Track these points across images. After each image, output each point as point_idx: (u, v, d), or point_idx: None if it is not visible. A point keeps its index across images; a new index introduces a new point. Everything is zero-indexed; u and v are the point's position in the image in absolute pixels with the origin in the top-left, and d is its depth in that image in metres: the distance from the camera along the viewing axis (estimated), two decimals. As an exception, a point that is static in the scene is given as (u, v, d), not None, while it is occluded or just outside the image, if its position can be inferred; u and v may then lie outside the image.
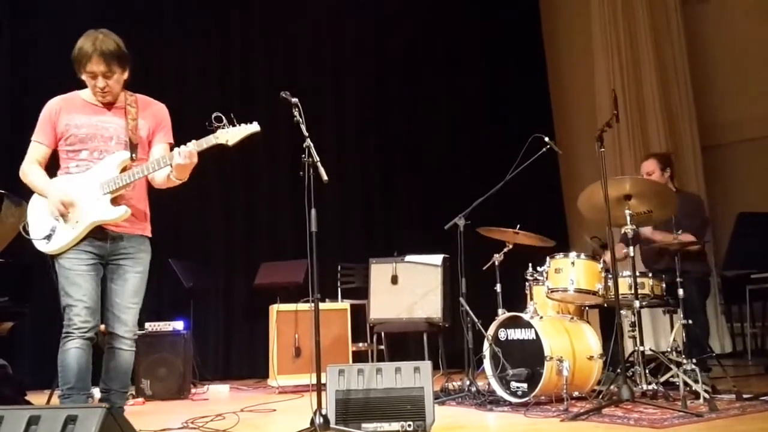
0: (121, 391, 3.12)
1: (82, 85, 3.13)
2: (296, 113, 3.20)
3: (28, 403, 4.16)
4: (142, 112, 3.15)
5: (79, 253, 3.00)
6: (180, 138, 3.17)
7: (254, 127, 3.05)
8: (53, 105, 3.12)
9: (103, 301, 3.08)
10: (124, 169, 3.04)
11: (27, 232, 3.08)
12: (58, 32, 6.28)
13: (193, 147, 2.96)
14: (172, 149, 3.10)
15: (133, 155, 3.07)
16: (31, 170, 3.11)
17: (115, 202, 3.03)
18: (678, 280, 3.98)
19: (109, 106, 3.11)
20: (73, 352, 2.93)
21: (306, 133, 3.17)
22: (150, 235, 3.21)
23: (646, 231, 4.56)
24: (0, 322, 4.52)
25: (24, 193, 3.22)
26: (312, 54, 7.52)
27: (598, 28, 7.72)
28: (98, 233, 3.03)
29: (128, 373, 3.16)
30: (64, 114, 3.08)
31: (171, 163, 2.98)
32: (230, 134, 3.00)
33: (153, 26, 6.83)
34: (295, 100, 3.20)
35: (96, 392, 3.21)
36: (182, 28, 7.09)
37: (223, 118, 2.99)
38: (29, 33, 6.42)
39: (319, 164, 3.11)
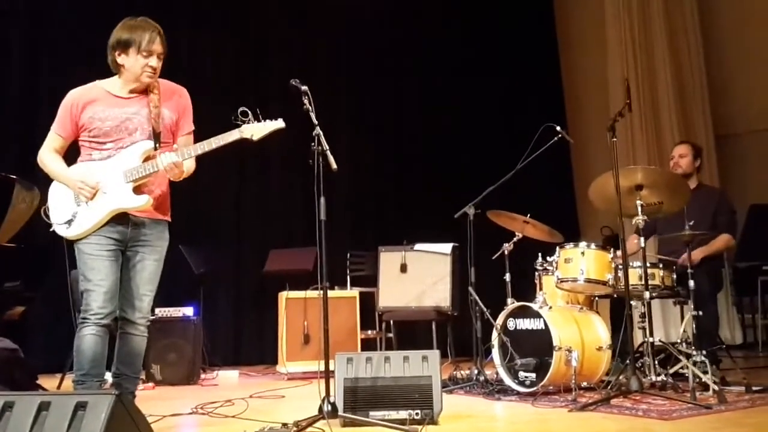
0: (133, 376, 3.15)
1: (95, 77, 3.12)
2: (306, 101, 3.19)
3: (40, 386, 4.19)
4: (164, 99, 3.14)
5: (100, 238, 3.01)
6: (200, 133, 3.18)
7: (279, 123, 3.06)
8: (75, 98, 3.09)
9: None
10: (147, 159, 3.04)
11: (48, 216, 3.10)
12: (70, 21, 6.30)
13: (174, 159, 2.98)
14: (193, 135, 3.15)
15: (157, 144, 3.06)
16: (49, 158, 3.10)
17: (137, 189, 3.04)
18: (689, 271, 3.95)
19: (132, 94, 3.09)
20: (88, 338, 2.94)
21: (315, 121, 3.16)
22: (170, 220, 3.22)
23: (696, 258, 4.33)
24: (12, 306, 4.54)
25: (39, 180, 3.22)
26: (327, 43, 7.49)
27: (612, 16, 7.63)
28: (120, 218, 3.04)
29: (141, 359, 3.18)
30: (87, 107, 3.05)
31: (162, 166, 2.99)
32: (255, 129, 3.02)
33: (166, 19, 6.77)
34: (304, 87, 3.19)
35: (109, 377, 3.23)
36: (196, 21, 7.04)
37: (249, 112, 3.00)
38: (41, 22, 6.41)
39: (328, 152, 3.11)
